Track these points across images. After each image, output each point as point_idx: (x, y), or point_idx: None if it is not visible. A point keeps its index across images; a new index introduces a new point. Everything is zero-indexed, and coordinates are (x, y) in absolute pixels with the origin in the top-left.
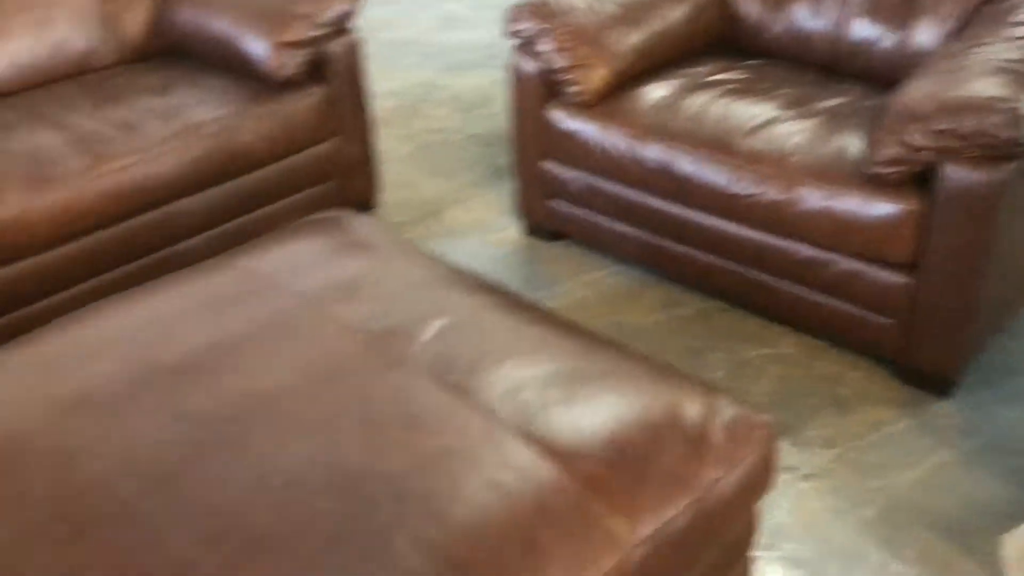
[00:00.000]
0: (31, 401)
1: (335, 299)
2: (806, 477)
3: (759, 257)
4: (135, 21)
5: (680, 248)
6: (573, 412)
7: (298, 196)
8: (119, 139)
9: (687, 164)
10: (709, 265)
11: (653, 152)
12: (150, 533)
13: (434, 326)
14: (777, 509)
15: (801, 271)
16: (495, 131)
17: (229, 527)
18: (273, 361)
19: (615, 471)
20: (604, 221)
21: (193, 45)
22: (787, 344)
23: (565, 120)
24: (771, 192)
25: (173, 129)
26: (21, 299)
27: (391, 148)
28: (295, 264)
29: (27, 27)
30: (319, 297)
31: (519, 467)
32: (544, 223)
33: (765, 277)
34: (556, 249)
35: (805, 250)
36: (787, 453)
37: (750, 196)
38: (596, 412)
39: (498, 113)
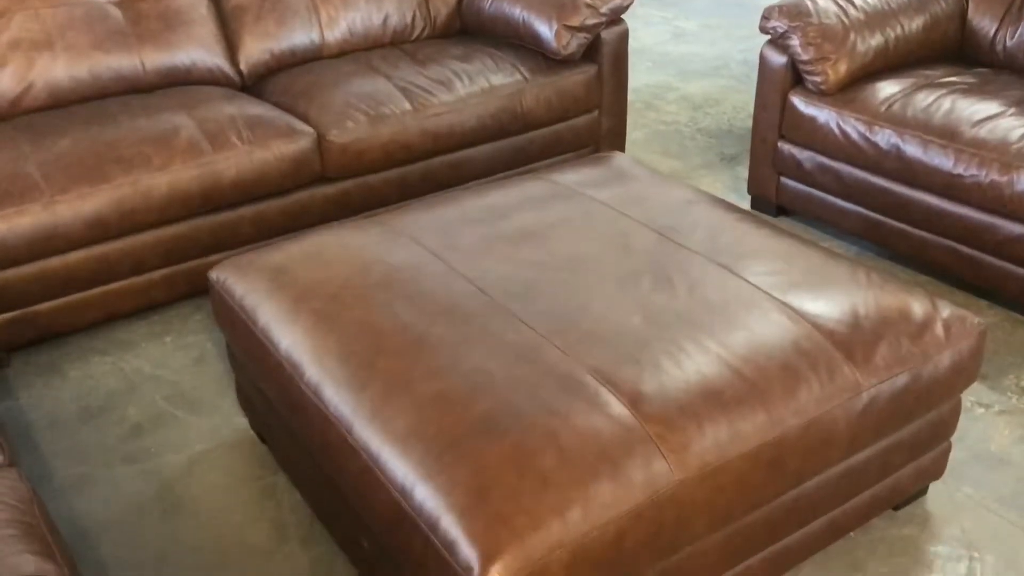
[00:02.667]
0: (413, 246)
1: (624, 205)
2: (999, 413)
3: (973, 234)
4: (446, 4)
5: (899, 225)
6: (819, 293)
7: (560, 159)
8: (436, 91)
9: (915, 148)
10: (924, 241)
11: (884, 137)
12: (511, 323)
13: (702, 228)
14: (971, 434)
15: (1011, 247)
16: (722, 127)
17: (566, 327)
18: (585, 237)
19: (854, 333)
20: (830, 199)
21: (490, 25)
22: (991, 315)
23: (805, 106)
24: (991, 174)
25: (475, 89)
26: (349, 209)
27: (630, 134)
28: (588, 180)
29: (368, 4)
30: (611, 202)
31: (778, 321)
32: (772, 199)
33: (976, 253)
34: (782, 224)
35: (1018, 228)
36: (984, 393)
37: (971, 177)
38: (838, 296)
39: (725, 113)
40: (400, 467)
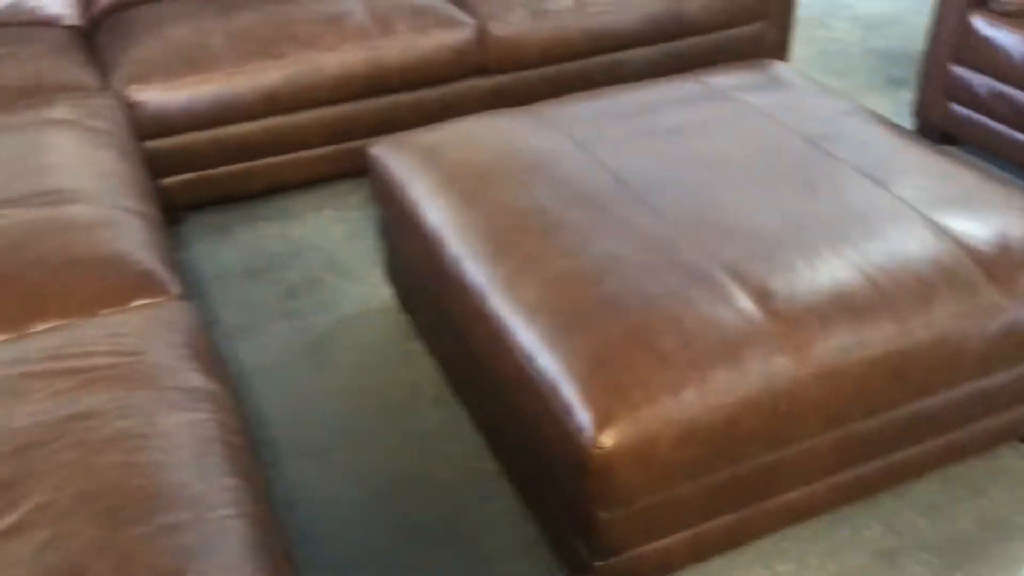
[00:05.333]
0: (560, 136)
1: (775, 110)
2: None
3: None
4: None
5: None
6: (970, 213)
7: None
8: None
9: None
10: None
11: None
12: (646, 213)
13: (855, 141)
14: None
15: None
16: (894, 49)
17: (701, 221)
18: (732, 138)
19: (1001, 255)
20: (1002, 128)
21: None
22: None
23: (987, 28)
24: None
25: None
26: (504, 103)
27: (794, 50)
28: (742, 85)
29: None
30: (763, 107)
31: (921, 236)
32: (939, 125)
33: None
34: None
35: None
36: None
37: None
38: (990, 217)
39: (899, 33)
40: (527, 335)
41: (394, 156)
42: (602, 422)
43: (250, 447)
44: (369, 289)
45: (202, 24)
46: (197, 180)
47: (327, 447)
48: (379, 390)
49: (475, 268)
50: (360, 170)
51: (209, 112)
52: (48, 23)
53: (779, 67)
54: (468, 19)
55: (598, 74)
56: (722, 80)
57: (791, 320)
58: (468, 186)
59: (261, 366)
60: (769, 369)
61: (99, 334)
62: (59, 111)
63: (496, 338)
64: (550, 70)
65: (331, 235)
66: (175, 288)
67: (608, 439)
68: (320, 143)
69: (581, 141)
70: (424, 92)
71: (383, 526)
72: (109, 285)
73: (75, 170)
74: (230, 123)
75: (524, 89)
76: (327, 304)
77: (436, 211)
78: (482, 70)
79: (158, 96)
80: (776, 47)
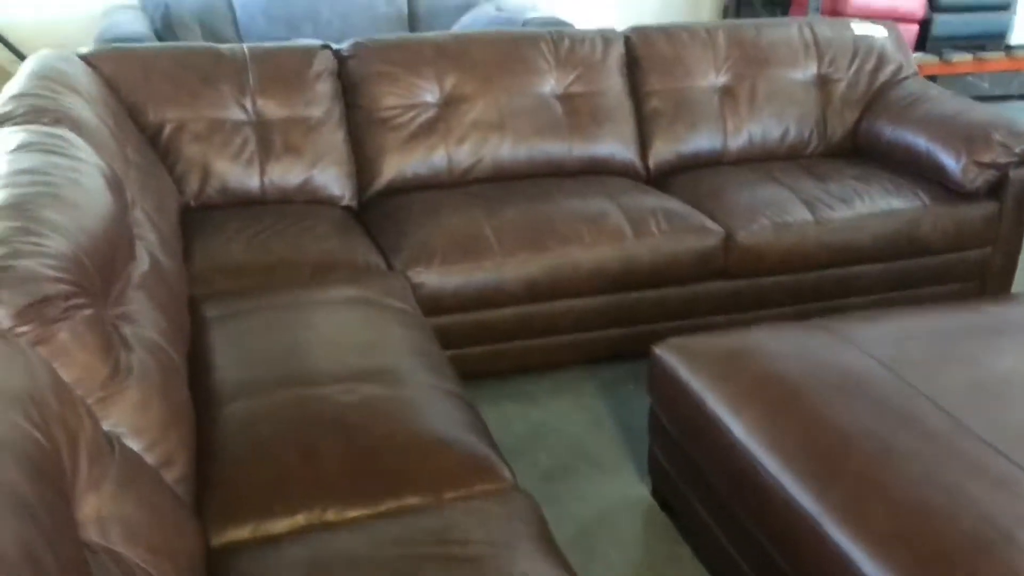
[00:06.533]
0: (860, 354)
1: None
2: None
3: None
4: (842, 124)
5: None
6: None
7: (943, 287)
8: (836, 207)
9: None
10: None
11: None
12: (977, 443)
13: None
14: None
15: None
16: None
17: None
18: None
19: None
20: None
21: (887, 149)
22: None
23: None
24: None
25: (875, 209)
26: (739, 306)
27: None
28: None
29: (770, 118)
30: None
31: None
32: None
33: None
34: None
35: None
36: None
37: None
38: None
39: None
40: (880, 569)
41: (684, 359)
42: None
43: None
44: (624, 482)
45: (471, 216)
46: (453, 358)
47: None
48: None
49: (800, 487)
50: (598, 358)
51: (477, 296)
52: (329, 202)
53: None
54: (716, 227)
55: (830, 286)
56: (999, 310)
57: None
58: (777, 398)
59: None
60: None
61: (468, 520)
62: (361, 289)
63: (836, 564)
64: (785, 279)
65: (573, 422)
66: (507, 474)
67: None
68: (565, 331)
69: (886, 362)
70: (667, 291)
71: None
72: (451, 467)
73: (392, 347)
74: (492, 307)
75: (759, 295)
76: (585, 494)
77: (743, 422)
78: (724, 274)
79: (436, 279)
80: (1003, 271)
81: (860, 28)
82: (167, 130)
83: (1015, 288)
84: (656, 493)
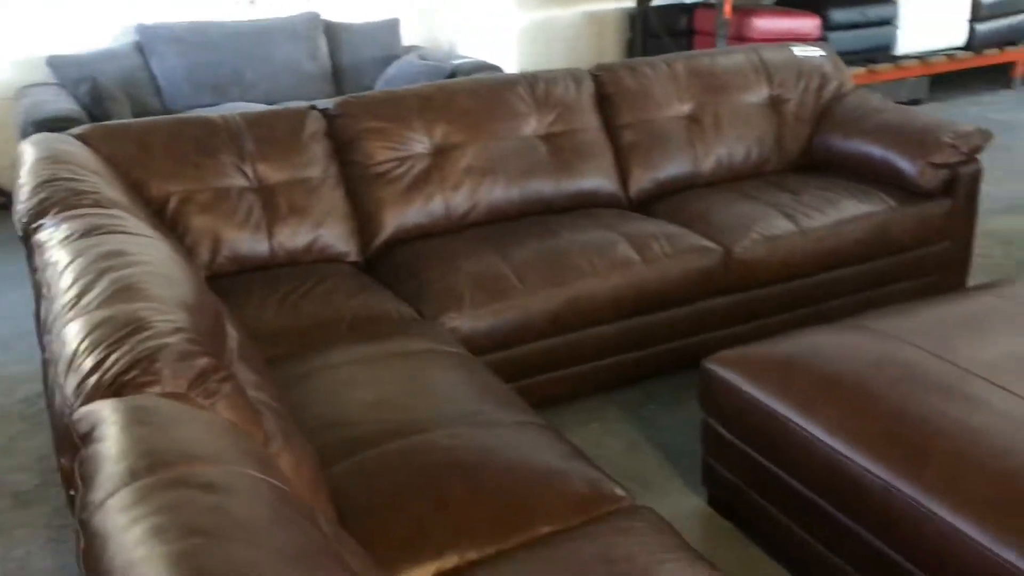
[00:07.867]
0: (909, 346)
1: None
2: None
3: None
4: (797, 141)
5: None
6: None
7: (904, 284)
8: (815, 216)
9: None
10: None
11: None
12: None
13: None
14: None
15: None
16: None
17: None
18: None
19: None
20: None
21: (841, 160)
22: None
23: None
24: None
25: (849, 215)
26: (735, 319)
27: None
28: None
29: (735, 140)
30: None
31: None
32: None
33: None
34: None
35: None
36: None
37: None
38: None
39: None
40: (989, 535)
41: (741, 371)
42: None
43: None
44: (677, 496)
45: (486, 258)
46: None
47: None
48: None
49: (894, 474)
50: (610, 385)
51: (508, 335)
52: (337, 259)
53: None
54: (715, 245)
55: (815, 291)
56: (1008, 290)
57: None
58: (847, 396)
59: None
60: None
61: (621, 539)
62: (413, 339)
63: (946, 538)
64: (776, 288)
65: (608, 447)
66: (624, 493)
67: None
68: (586, 360)
69: (933, 350)
70: (673, 311)
71: None
72: (573, 493)
73: (467, 389)
74: (520, 343)
75: (753, 306)
76: None
77: (821, 422)
78: (723, 290)
79: (468, 322)
80: (957, 263)
81: (800, 51)
82: (172, 203)
83: (970, 278)
84: (713, 502)
